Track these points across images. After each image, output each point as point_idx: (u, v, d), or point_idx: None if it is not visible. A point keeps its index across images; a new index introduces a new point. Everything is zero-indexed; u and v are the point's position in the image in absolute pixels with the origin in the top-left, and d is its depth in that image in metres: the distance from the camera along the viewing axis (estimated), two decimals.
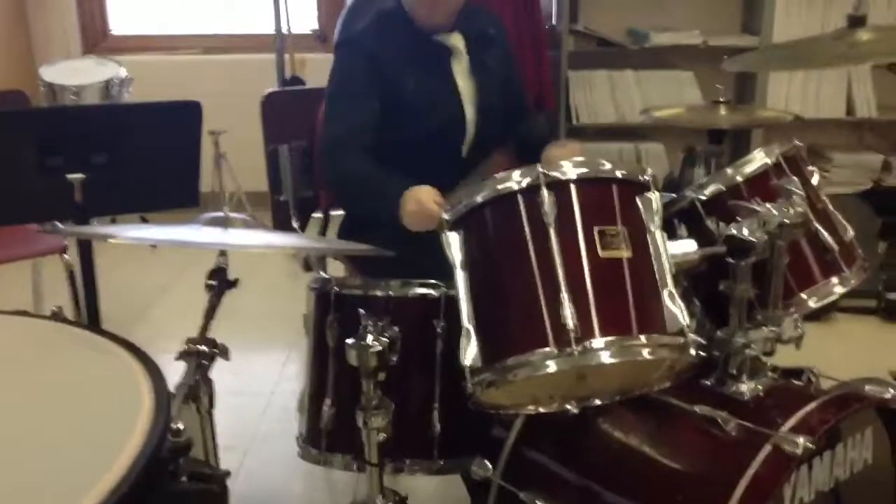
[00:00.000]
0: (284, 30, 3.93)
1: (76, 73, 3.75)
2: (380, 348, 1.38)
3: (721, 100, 2.23)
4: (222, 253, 1.50)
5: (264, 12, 4.01)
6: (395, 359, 1.41)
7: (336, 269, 2.40)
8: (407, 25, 1.96)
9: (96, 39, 4.48)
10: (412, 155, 1.88)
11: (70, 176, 1.98)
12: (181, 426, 1.08)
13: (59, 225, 2.41)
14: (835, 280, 1.49)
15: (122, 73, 3.76)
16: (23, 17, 4.30)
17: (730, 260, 1.38)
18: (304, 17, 4.34)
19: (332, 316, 1.55)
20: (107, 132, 2.07)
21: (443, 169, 1.86)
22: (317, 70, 4.08)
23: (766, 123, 2.45)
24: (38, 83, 3.72)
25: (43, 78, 3.70)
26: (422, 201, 1.67)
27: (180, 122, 2.11)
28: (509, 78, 2.11)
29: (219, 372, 1.43)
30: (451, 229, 1.40)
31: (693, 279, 1.44)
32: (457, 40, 1.99)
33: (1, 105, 2.98)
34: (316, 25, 4.45)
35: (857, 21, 1.80)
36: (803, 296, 1.47)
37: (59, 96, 3.65)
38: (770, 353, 1.40)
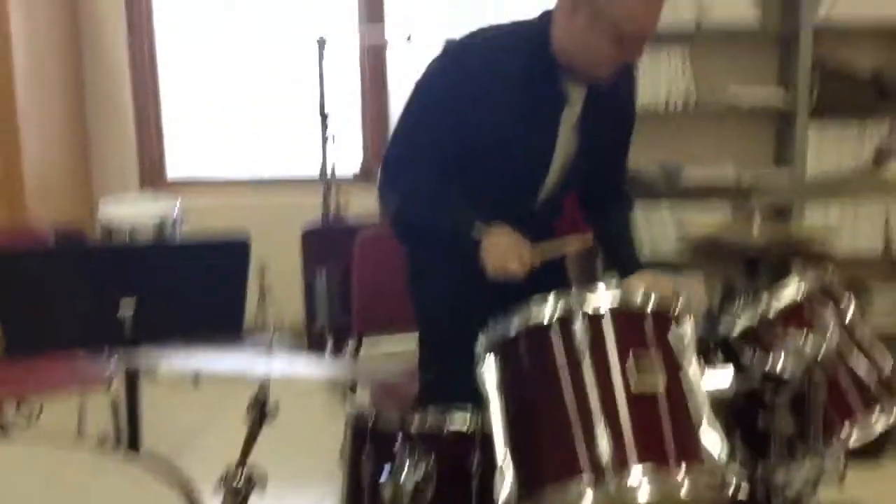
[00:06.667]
0: (330, 170, 4.10)
1: (132, 212, 3.93)
2: (414, 485, 1.38)
3: (755, 214, 2.24)
4: (265, 382, 1.53)
5: (312, 154, 4.21)
6: (429, 495, 1.41)
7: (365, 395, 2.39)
8: (537, 63, 1.77)
9: (154, 179, 4.71)
10: (479, 196, 1.78)
11: (122, 309, 2.05)
12: None
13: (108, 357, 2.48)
14: (877, 412, 1.46)
15: (177, 211, 3.94)
16: (85, 155, 4.56)
17: (767, 393, 1.37)
18: (349, 157, 4.53)
19: (367, 449, 1.55)
20: (158, 267, 2.16)
21: (510, 218, 1.75)
22: (361, 207, 4.23)
23: (803, 239, 2.45)
24: (95, 219, 3.91)
25: (100, 216, 3.89)
26: (509, 248, 1.65)
27: (229, 257, 2.19)
28: (618, 143, 1.97)
29: None
30: (485, 357, 1.41)
31: (731, 411, 1.43)
32: (578, 92, 1.83)
33: (58, 240, 3.12)
34: (360, 165, 4.64)
35: (884, 155, 1.84)
36: (845, 429, 1.45)
37: (114, 234, 3.82)
38: (813, 490, 1.37)
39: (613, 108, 1.90)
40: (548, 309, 1.38)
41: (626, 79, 1.91)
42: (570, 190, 1.92)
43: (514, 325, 1.40)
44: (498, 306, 1.46)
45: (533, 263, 1.68)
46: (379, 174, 1.89)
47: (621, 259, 1.98)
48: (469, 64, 1.78)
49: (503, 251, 1.67)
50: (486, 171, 1.81)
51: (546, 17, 1.79)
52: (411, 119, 1.85)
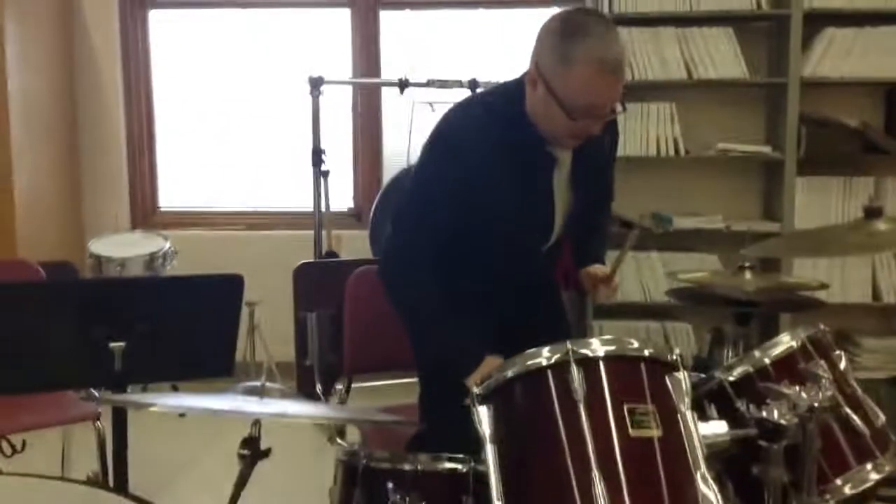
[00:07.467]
0: (322, 208, 4.12)
1: (123, 246, 3.92)
2: None
3: (746, 265, 2.28)
4: (257, 423, 1.52)
5: (304, 191, 4.23)
6: None
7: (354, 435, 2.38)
8: (521, 131, 1.80)
9: (145, 215, 4.71)
10: (489, 253, 1.88)
11: (112, 344, 2.04)
12: None
13: (95, 393, 2.46)
14: (869, 466, 1.47)
15: (167, 246, 3.93)
16: (77, 193, 4.56)
17: (762, 443, 1.38)
18: (341, 196, 4.56)
19: (358, 490, 1.54)
20: (151, 303, 2.15)
21: (519, 265, 1.92)
22: (352, 246, 4.24)
23: (792, 289, 2.48)
24: (86, 255, 3.89)
25: (91, 250, 3.88)
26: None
27: (222, 294, 2.19)
28: (605, 176, 2.05)
29: None
30: (481, 403, 1.41)
31: (725, 462, 1.44)
32: (565, 153, 1.87)
33: (49, 276, 3.10)
34: (352, 204, 4.66)
35: (873, 212, 1.88)
36: (838, 482, 1.46)
37: (104, 268, 3.80)
38: None
39: (599, 157, 1.96)
40: (544, 354, 1.38)
41: (610, 131, 1.93)
42: (573, 232, 2.00)
43: (511, 369, 1.40)
44: (499, 350, 1.47)
45: None
46: (382, 258, 1.97)
47: (582, 250, 2.08)
48: (461, 148, 1.80)
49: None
50: (495, 241, 1.87)
51: (523, 80, 1.83)
52: (415, 203, 1.88)
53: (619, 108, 1.76)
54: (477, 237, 1.87)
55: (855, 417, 1.48)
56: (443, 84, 3.90)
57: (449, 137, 1.83)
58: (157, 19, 4.64)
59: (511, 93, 1.83)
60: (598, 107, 1.72)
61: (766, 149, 3.74)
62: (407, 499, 1.42)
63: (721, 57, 3.65)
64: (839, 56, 3.59)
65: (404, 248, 1.88)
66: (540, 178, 1.86)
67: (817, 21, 3.58)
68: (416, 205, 1.87)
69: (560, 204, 1.91)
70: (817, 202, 3.69)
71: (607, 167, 2.06)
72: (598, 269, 2.02)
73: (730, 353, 2.75)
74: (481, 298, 1.92)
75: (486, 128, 1.81)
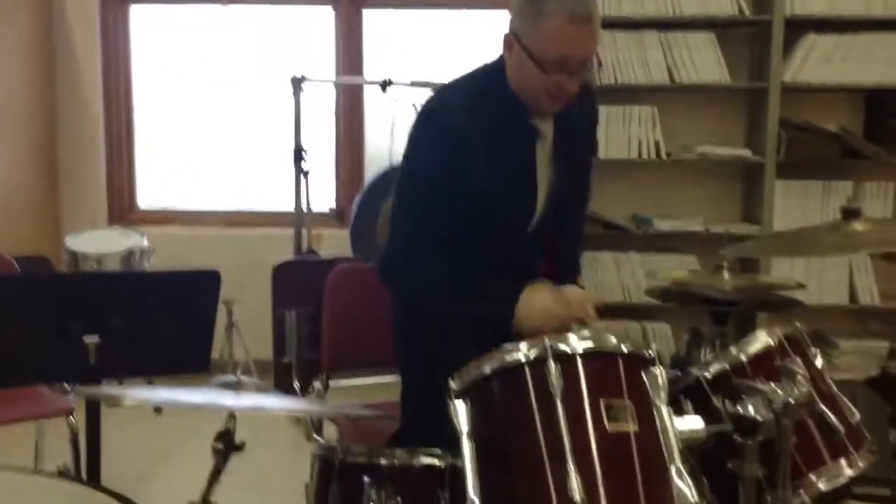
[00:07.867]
0: (304, 207, 4.10)
1: (99, 243, 3.88)
2: None
3: (724, 265, 2.29)
4: (232, 416, 1.51)
5: (286, 191, 4.21)
6: None
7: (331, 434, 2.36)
8: (504, 103, 1.84)
9: (123, 212, 4.67)
10: (476, 231, 1.87)
11: (87, 339, 2.01)
12: None
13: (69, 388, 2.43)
14: (843, 462, 1.48)
15: (144, 243, 3.90)
16: (55, 188, 4.52)
17: (737, 438, 1.38)
18: (322, 194, 4.54)
19: (334, 485, 1.53)
20: (126, 297, 2.13)
21: (506, 245, 1.89)
22: (333, 245, 4.22)
23: (769, 288, 2.50)
24: (62, 251, 3.85)
25: (67, 246, 3.84)
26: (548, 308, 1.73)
27: (198, 290, 2.17)
28: (584, 171, 2.06)
29: None
30: (458, 398, 1.41)
31: (701, 456, 1.44)
32: (547, 125, 1.90)
33: (24, 270, 3.07)
34: (333, 203, 4.64)
35: (851, 213, 1.89)
36: (812, 477, 1.46)
37: (81, 264, 3.76)
38: None
39: (580, 135, 1.98)
40: (522, 350, 1.38)
41: (588, 104, 1.98)
42: (554, 223, 1.96)
43: (489, 365, 1.40)
44: (478, 344, 1.46)
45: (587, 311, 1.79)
46: (385, 260, 1.94)
47: (559, 252, 2.04)
48: (446, 124, 1.84)
49: (539, 318, 1.75)
50: (481, 216, 1.87)
51: (503, 57, 1.87)
52: (408, 190, 1.90)
53: (593, 62, 1.80)
54: (463, 214, 1.86)
55: (830, 414, 1.49)
56: (425, 85, 3.89)
57: (433, 114, 1.88)
58: (138, 15, 4.61)
59: (493, 69, 1.88)
60: (571, 59, 1.75)
61: (747, 152, 3.77)
62: (383, 493, 1.41)
63: (703, 61, 3.67)
64: (820, 62, 3.63)
65: (407, 240, 1.89)
66: (523, 149, 1.88)
67: (798, 27, 3.61)
68: (410, 189, 1.89)
69: (543, 179, 1.91)
70: (796, 205, 3.72)
71: (587, 149, 2.06)
72: (580, 299, 1.91)
73: (707, 353, 2.76)
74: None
75: (469, 102, 1.85)
